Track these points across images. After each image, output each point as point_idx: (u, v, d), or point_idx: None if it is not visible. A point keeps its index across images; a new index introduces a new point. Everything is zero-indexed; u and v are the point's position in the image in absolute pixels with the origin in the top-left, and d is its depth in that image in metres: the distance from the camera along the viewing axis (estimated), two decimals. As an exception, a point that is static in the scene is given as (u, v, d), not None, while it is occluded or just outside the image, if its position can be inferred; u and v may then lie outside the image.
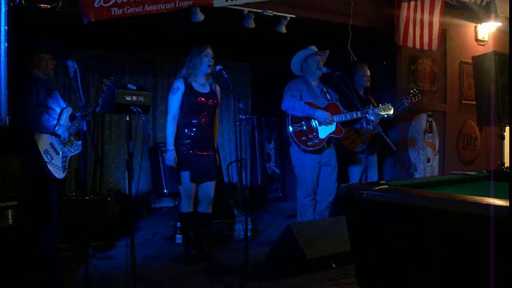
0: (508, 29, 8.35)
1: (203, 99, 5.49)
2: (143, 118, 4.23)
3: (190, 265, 5.49)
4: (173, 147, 5.40)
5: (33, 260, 4.70)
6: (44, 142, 4.65)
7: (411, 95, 6.60)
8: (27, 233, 4.93)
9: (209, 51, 5.50)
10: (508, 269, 2.13)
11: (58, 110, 4.92)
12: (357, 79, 6.93)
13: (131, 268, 4.15)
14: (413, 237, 2.65)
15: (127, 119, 4.26)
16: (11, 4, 4.59)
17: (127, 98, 4.12)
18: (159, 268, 5.43)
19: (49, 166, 4.63)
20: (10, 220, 5.44)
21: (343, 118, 5.99)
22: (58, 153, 4.77)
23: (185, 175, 5.46)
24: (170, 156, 5.39)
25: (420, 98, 6.66)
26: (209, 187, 5.65)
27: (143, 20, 5.64)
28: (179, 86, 5.45)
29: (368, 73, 6.93)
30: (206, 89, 5.57)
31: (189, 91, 5.43)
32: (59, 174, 4.76)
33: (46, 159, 4.61)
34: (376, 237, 2.84)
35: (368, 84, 6.96)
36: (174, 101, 5.46)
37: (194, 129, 5.49)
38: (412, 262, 2.67)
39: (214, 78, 5.67)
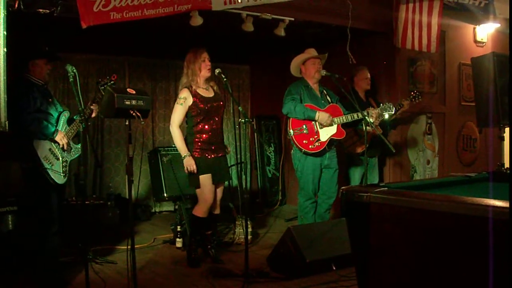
0: (507, 30, 8.36)
1: (212, 103, 5.53)
2: (143, 122, 4.23)
3: (193, 268, 5.50)
4: (187, 153, 5.42)
5: (34, 265, 4.71)
6: (43, 148, 4.64)
7: (411, 96, 6.60)
8: (28, 238, 4.94)
9: (205, 55, 5.53)
10: (507, 271, 2.13)
11: (56, 115, 4.91)
12: (358, 81, 6.93)
13: (131, 272, 4.15)
14: (413, 239, 2.65)
15: (127, 123, 4.26)
16: (10, 9, 4.59)
17: (127, 103, 4.12)
18: (160, 272, 5.42)
19: (49, 172, 4.61)
20: (10, 225, 5.45)
21: (344, 120, 5.99)
22: (58, 159, 4.76)
23: (207, 179, 5.47)
24: (187, 162, 5.40)
25: (420, 100, 6.66)
26: (220, 187, 5.74)
27: (141, 25, 5.64)
28: (186, 97, 5.45)
29: (369, 75, 6.93)
30: (210, 93, 5.60)
31: (198, 99, 5.46)
32: (59, 180, 4.75)
33: (46, 165, 4.60)
34: (376, 240, 2.84)
35: (369, 87, 6.96)
36: (179, 111, 5.47)
37: (208, 134, 5.53)
38: (412, 264, 2.67)
39: (214, 80, 5.70)
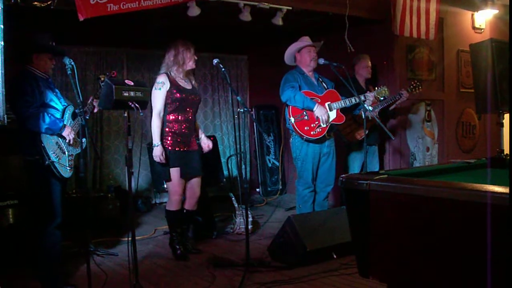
0: (505, 17, 8.35)
1: (188, 95, 5.50)
2: (141, 114, 4.22)
3: (183, 261, 5.51)
4: (159, 143, 5.35)
5: (36, 258, 4.71)
6: (50, 142, 4.62)
7: (411, 86, 6.59)
8: (31, 231, 4.94)
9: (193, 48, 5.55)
10: (506, 256, 2.14)
11: (61, 109, 4.87)
12: (359, 70, 6.91)
13: (132, 264, 4.16)
14: (413, 226, 2.66)
15: (125, 115, 4.26)
16: (7, 2, 4.58)
17: (125, 94, 4.12)
18: (161, 263, 5.44)
19: (57, 166, 4.59)
20: (11, 219, 5.46)
21: (343, 105, 5.98)
22: (64, 152, 4.73)
23: (175, 172, 5.43)
24: (157, 152, 5.33)
25: (420, 90, 6.66)
26: (196, 183, 5.68)
27: (138, 16, 5.63)
28: (164, 81, 5.40)
29: (370, 63, 6.91)
30: (189, 85, 5.59)
31: (175, 87, 5.43)
32: (66, 173, 4.72)
33: (53, 159, 4.57)
34: (376, 227, 2.84)
35: (370, 75, 6.94)
36: (159, 97, 5.40)
37: (181, 126, 5.48)
38: (412, 251, 2.68)
39: (192, 74, 5.72)
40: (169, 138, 5.44)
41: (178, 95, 5.42)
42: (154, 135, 5.38)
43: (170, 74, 5.48)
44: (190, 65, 5.54)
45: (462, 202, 2.38)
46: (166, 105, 5.45)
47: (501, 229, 2.15)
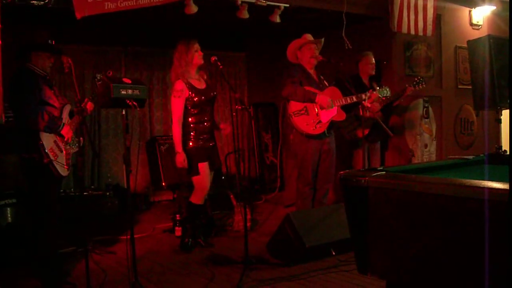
0: (503, 13, 8.36)
1: (205, 96, 5.61)
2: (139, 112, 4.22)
3: (186, 253, 5.59)
4: (180, 150, 5.49)
5: (34, 257, 4.71)
6: (48, 140, 4.61)
7: (415, 83, 6.59)
8: (27, 229, 4.94)
9: (198, 46, 5.59)
10: (505, 252, 2.14)
11: (58, 107, 4.86)
12: (362, 67, 6.90)
13: (131, 262, 4.16)
14: (411, 222, 2.66)
15: (123, 113, 4.26)
16: (4, 1, 4.58)
17: (123, 92, 4.12)
18: (160, 261, 5.44)
19: (54, 164, 4.59)
20: (9, 218, 5.45)
21: (343, 102, 5.97)
22: (62, 151, 4.72)
23: (204, 166, 5.56)
24: (180, 158, 5.48)
25: (424, 85, 6.66)
26: (212, 175, 5.82)
27: (136, 14, 5.62)
28: (182, 89, 5.48)
29: (373, 60, 6.90)
30: (203, 85, 5.67)
31: (193, 92, 5.51)
32: (63, 172, 4.72)
33: (51, 157, 4.57)
34: (375, 224, 2.85)
35: (373, 72, 6.94)
36: (179, 105, 5.51)
37: (205, 125, 5.64)
38: (410, 247, 2.68)
39: (204, 69, 5.77)
40: (195, 138, 5.58)
41: (197, 98, 5.53)
42: (177, 142, 5.51)
43: (185, 78, 5.52)
44: (196, 62, 5.58)
45: (460, 199, 2.38)
46: (188, 110, 5.55)
47: (500, 226, 2.15)
